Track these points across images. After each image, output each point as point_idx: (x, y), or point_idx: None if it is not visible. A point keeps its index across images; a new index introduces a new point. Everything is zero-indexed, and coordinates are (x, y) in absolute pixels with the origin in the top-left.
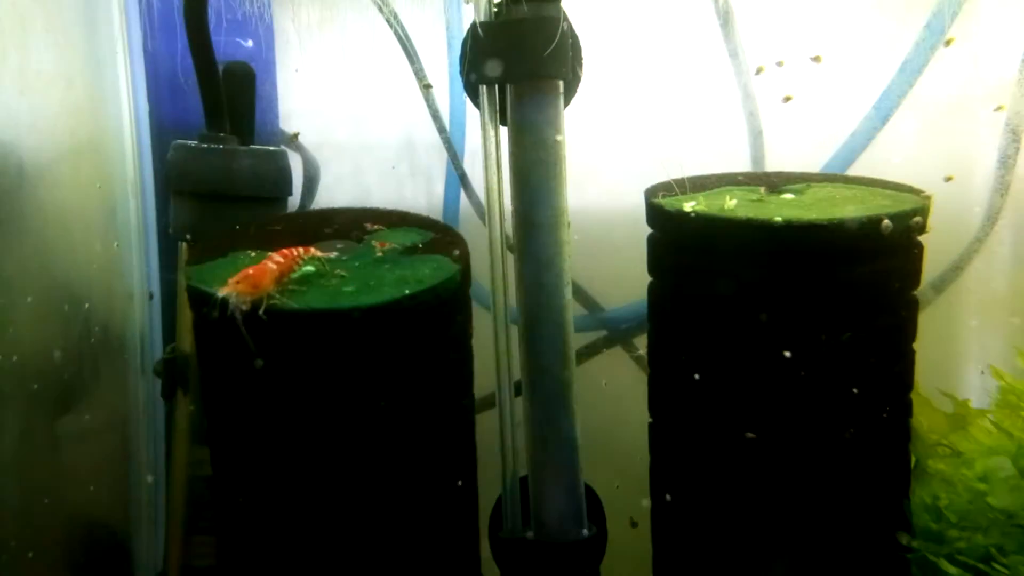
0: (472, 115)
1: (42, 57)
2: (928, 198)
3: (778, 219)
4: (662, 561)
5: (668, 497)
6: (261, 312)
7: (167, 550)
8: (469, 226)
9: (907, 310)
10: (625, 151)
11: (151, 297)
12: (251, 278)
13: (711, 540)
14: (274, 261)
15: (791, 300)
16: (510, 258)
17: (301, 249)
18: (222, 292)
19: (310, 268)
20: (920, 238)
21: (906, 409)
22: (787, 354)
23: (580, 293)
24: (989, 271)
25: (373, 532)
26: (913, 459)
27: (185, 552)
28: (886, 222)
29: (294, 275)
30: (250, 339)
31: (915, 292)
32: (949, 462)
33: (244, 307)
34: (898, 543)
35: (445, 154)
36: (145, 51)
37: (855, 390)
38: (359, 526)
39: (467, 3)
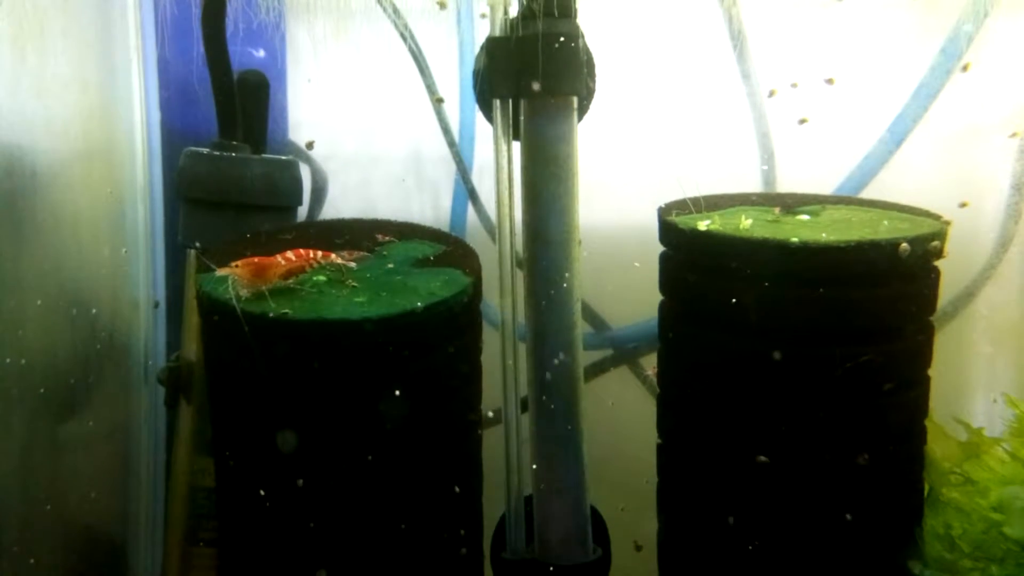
0: (481, 130)
1: (59, 60)
2: (947, 223)
3: (795, 240)
4: None
5: (678, 522)
6: (239, 297)
7: (166, 562)
8: (475, 241)
9: (923, 335)
10: (635, 169)
11: (156, 305)
12: (254, 266)
13: (718, 566)
14: (285, 258)
15: (806, 322)
16: (517, 274)
17: (320, 253)
18: (220, 271)
19: (321, 277)
20: (936, 263)
21: (921, 436)
22: (801, 377)
23: (586, 310)
24: (1001, 298)
25: (376, 545)
26: (926, 487)
27: (184, 564)
28: (904, 245)
29: (306, 281)
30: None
31: (931, 317)
32: (963, 491)
33: (241, 291)
34: (910, 572)
35: (453, 168)
36: (158, 58)
37: (869, 415)
38: (362, 539)
39: (483, 18)
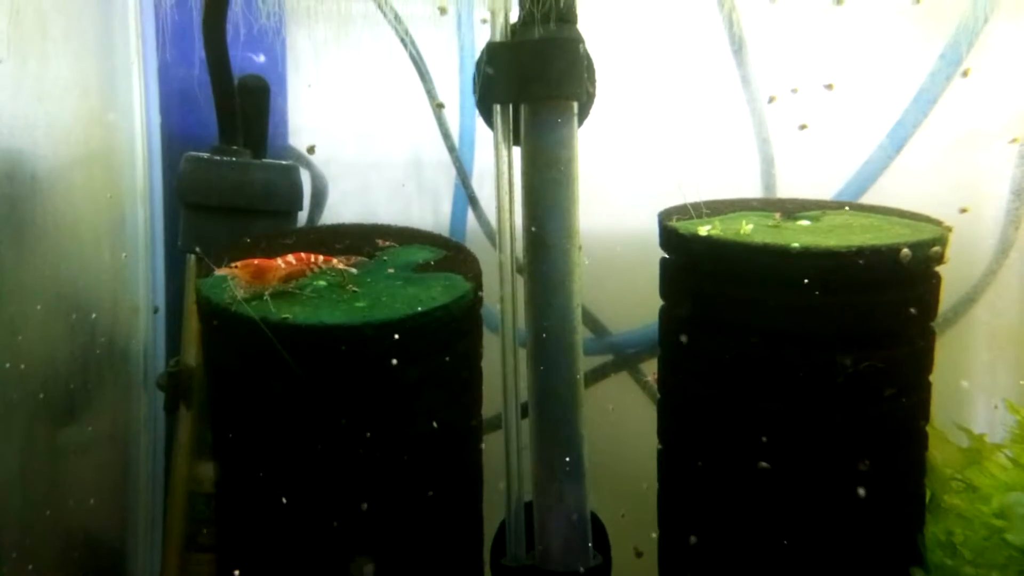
0: (481, 135)
1: (60, 65)
2: (948, 229)
3: (796, 245)
4: None
5: (678, 528)
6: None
7: (164, 567)
8: (475, 246)
9: (924, 340)
10: (635, 174)
11: (156, 310)
12: (254, 268)
13: (719, 572)
14: (285, 261)
15: (807, 328)
16: (518, 279)
17: (320, 257)
18: (219, 271)
19: (322, 282)
20: (937, 269)
21: (922, 442)
22: (802, 383)
23: (586, 316)
24: (1002, 303)
25: (375, 551)
26: (928, 494)
27: (183, 569)
28: (905, 251)
29: (306, 286)
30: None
31: (932, 323)
32: (964, 497)
33: (240, 292)
34: None
35: (453, 173)
36: (159, 63)
37: (871, 421)
38: (362, 543)
39: (483, 23)
